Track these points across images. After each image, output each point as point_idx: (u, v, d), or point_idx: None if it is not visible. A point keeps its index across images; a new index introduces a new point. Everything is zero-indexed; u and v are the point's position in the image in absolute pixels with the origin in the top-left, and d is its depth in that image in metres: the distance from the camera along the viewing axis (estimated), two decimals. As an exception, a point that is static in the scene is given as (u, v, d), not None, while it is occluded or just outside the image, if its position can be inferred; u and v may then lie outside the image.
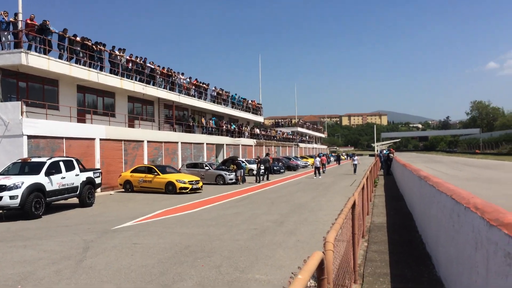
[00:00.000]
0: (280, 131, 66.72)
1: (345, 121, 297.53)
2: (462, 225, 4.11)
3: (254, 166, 33.09)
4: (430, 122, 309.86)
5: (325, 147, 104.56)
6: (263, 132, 54.91)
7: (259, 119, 55.52)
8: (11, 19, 19.06)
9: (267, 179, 29.63)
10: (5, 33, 19.08)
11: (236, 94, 47.34)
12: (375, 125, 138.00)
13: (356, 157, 37.61)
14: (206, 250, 8.46)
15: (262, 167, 29.63)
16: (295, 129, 75.92)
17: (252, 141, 47.52)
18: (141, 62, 28.76)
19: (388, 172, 30.15)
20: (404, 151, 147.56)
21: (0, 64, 18.56)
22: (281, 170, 38.22)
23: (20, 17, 19.06)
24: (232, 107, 45.68)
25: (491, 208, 3.40)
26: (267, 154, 33.69)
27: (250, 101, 52.30)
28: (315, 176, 30.10)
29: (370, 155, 41.31)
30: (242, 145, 44.13)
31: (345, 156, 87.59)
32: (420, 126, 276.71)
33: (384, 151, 39.52)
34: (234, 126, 44.78)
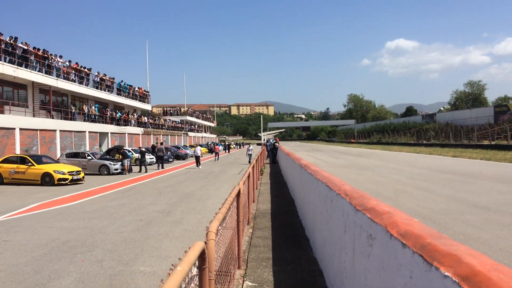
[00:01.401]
0: (169, 119, 65.62)
1: (234, 111, 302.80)
2: (334, 209, 4.48)
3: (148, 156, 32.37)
4: (312, 113, 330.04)
5: (214, 136, 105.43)
6: (151, 121, 53.46)
7: (147, 107, 53.91)
8: None
9: (162, 167, 29.58)
10: None
11: (122, 81, 45.33)
12: (262, 115, 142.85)
13: (251, 147, 38.50)
14: (87, 245, 8.05)
15: (151, 157, 28.78)
16: (184, 118, 75.24)
17: (139, 130, 46.02)
18: (11, 41, 25.97)
19: (274, 161, 31.47)
20: (289, 140, 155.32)
21: None
22: (170, 160, 37.71)
23: None
24: (118, 94, 43.66)
25: (357, 194, 3.76)
26: (162, 143, 33.04)
27: (137, 88, 50.48)
28: (197, 167, 30.07)
29: (258, 144, 42.56)
30: (128, 133, 42.52)
31: (234, 145, 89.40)
32: (303, 116, 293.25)
33: (271, 140, 41.16)
34: (119, 114, 42.87)
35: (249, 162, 36.11)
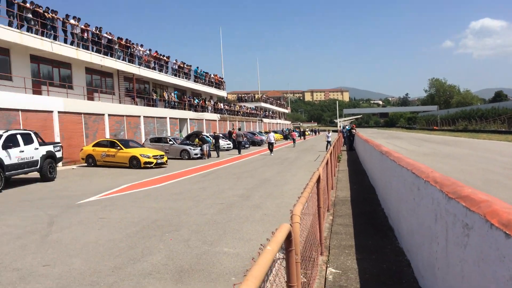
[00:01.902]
0: (244, 106, 66.66)
1: (307, 97, 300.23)
2: (422, 197, 4.33)
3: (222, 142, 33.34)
4: (390, 99, 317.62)
5: (288, 122, 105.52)
6: (226, 107, 54.69)
7: (222, 93, 55.18)
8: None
9: (239, 153, 30.49)
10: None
11: (198, 68, 46.70)
12: (337, 101, 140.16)
13: (330, 133, 37.82)
14: (174, 224, 8.52)
15: (228, 142, 29.50)
16: (258, 104, 76.04)
17: (216, 116, 47.31)
18: (97, 32, 27.73)
19: (351, 148, 30.88)
20: (366, 127, 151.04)
21: None
22: (246, 146, 38.45)
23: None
24: (195, 81, 45.12)
25: (449, 181, 3.61)
26: (239, 129, 33.95)
27: (212, 75, 51.76)
28: (271, 154, 30.13)
29: (333, 131, 42.10)
30: (206, 119, 43.88)
31: (309, 132, 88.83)
32: (380, 102, 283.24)
33: (347, 127, 40.35)
34: (197, 100, 44.33)
35: (327, 148, 35.74)
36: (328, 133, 37.11)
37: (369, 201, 10.24)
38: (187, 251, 6.69)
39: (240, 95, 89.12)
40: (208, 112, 45.63)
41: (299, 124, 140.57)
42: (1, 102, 18.53)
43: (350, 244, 6.59)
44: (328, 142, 36.30)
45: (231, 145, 35.43)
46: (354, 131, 31.76)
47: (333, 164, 13.62)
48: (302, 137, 63.30)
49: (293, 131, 57.17)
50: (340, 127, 77.95)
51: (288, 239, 2.83)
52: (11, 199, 12.03)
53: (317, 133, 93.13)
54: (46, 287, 5.25)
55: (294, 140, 43.64)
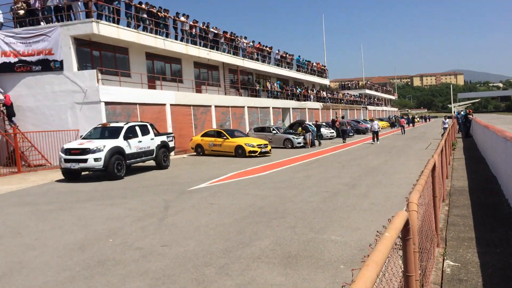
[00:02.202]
0: (347, 93, 65.06)
1: (416, 82, 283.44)
2: None
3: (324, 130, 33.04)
4: None
5: (395, 109, 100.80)
6: (329, 95, 53.87)
7: (325, 81, 54.37)
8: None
9: (344, 141, 30.20)
10: (76, 3, 19.82)
11: (300, 57, 46.50)
12: (451, 85, 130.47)
13: (447, 120, 34.53)
14: (280, 211, 8.58)
15: (331, 131, 29.04)
16: (362, 91, 73.63)
17: (318, 105, 46.85)
18: (204, 27, 28.92)
19: (467, 135, 28.54)
20: (484, 113, 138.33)
21: (74, 34, 19.38)
22: (350, 134, 37.46)
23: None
24: (297, 70, 45.06)
25: None
26: (342, 117, 33.36)
27: (314, 64, 51.22)
28: (373, 142, 28.73)
29: (448, 117, 38.87)
30: (308, 108, 43.68)
31: (419, 119, 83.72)
32: (501, 85, 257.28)
33: (462, 112, 37.26)
34: (299, 89, 44.29)
35: (442, 135, 33.33)
36: (445, 119, 34.34)
37: (490, 191, 9.33)
38: (294, 238, 6.68)
39: (343, 83, 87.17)
40: (310, 101, 45.37)
41: (407, 110, 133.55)
42: (122, 97, 20.28)
43: (469, 236, 6.04)
44: (445, 129, 33.65)
45: (334, 134, 34.84)
46: (470, 116, 29.24)
47: (447, 152, 12.67)
48: (411, 124, 60.06)
49: (401, 117, 54.32)
50: (454, 112, 72.38)
51: (406, 228, 2.71)
52: (131, 185, 13.13)
53: (428, 119, 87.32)
54: (165, 265, 5.60)
55: (403, 128, 41.47)
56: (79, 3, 19.75)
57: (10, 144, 18.42)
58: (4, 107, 19.52)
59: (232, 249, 6.21)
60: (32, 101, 19.92)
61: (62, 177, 14.68)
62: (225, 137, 22.05)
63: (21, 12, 20.11)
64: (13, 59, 19.88)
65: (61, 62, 19.27)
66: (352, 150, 23.43)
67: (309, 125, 30.30)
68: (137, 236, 7.08)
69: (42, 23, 19.99)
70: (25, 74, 19.86)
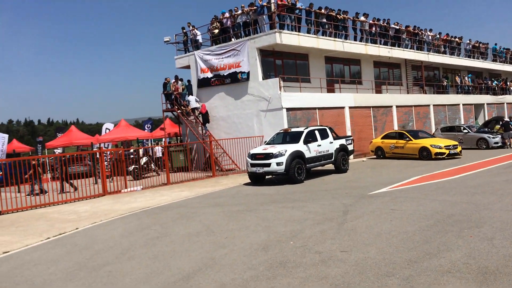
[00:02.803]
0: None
1: None
2: None
3: None
4: None
5: None
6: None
7: (529, 71, 46.77)
8: (265, 4, 21.07)
9: None
10: (261, 16, 21.27)
11: (496, 45, 40.98)
12: None
13: None
14: (473, 220, 7.61)
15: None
16: None
17: (520, 98, 40.60)
18: (385, 24, 27.84)
19: None
20: None
21: (259, 46, 20.85)
22: None
23: (272, -1, 20.89)
24: (493, 61, 39.83)
25: None
26: None
27: (515, 51, 44.49)
28: None
29: None
30: (507, 103, 38.24)
31: None
32: None
33: None
34: (495, 82, 39.08)
35: None
36: None
37: None
38: (492, 251, 5.82)
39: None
40: (510, 94, 39.63)
41: None
42: (302, 102, 20.98)
43: None
44: None
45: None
46: None
47: None
48: None
49: None
50: None
51: None
52: (311, 188, 13.39)
53: None
54: (344, 271, 5.48)
55: None
56: (264, 16, 21.17)
57: (207, 150, 20.76)
58: (200, 115, 22.19)
59: (417, 259, 5.72)
60: (224, 111, 22.17)
61: (248, 180, 15.87)
62: (407, 139, 20.80)
63: (216, 31, 22.63)
64: (209, 75, 22.49)
65: (248, 73, 20.95)
66: None
67: (509, 122, 26.43)
68: (316, 239, 7.13)
69: (232, 39, 22.12)
70: (218, 87, 22.25)
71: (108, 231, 9.22)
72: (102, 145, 23.74)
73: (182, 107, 22.68)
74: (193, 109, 22.50)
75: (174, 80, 23.52)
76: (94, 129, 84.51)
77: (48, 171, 24.63)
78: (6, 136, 21.93)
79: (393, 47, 27.78)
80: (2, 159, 18.58)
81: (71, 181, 16.97)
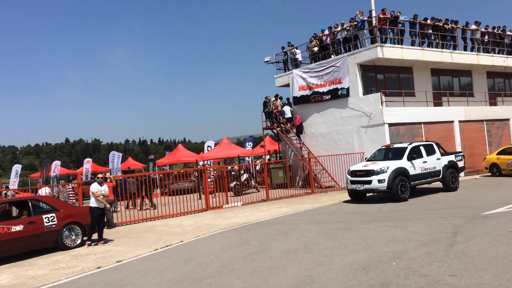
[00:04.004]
0: None
1: None
2: None
3: None
4: None
5: None
6: None
7: None
8: (365, 18, 20.67)
9: None
10: (362, 31, 20.87)
11: None
12: None
13: None
14: None
15: None
16: None
17: None
18: (499, 31, 25.60)
19: None
20: None
21: (360, 61, 20.43)
22: None
23: (373, 13, 20.40)
24: None
25: None
26: None
27: None
28: None
29: None
30: None
31: None
32: None
33: None
34: None
35: None
36: None
37: None
38: None
39: None
40: None
41: None
42: (406, 117, 20.03)
43: None
44: None
45: None
46: None
47: None
48: None
49: None
50: None
51: None
52: (416, 207, 12.60)
53: None
54: (452, 298, 5.02)
55: None
56: (365, 31, 20.77)
57: (305, 167, 20.69)
58: (294, 127, 22.54)
59: (541, 290, 5.05)
60: (324, 127, 22.01)
61: (348, 198, 15.45)
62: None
63: (315, 49, 22.74)
64: (308, 92, 22.59)
65: (348, 89, 20.63)
66: None
67: None
68: (422, 261, 6.65)
69: (332, 55, 22.03)
70: (317, 104, 22.21)
71: (210, 245, 9.56)
72: (205, 162, 24.91)
73: (281, 124, 23.01)
74: (288, 119, 22.93)
75: (274, 99, 24.00)
76: (198, 147, 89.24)
77: (157, 187, 26.40)
78: (120, 154, 24.10)
79: (508, 56, 25.43)
80: (118, 175, 20.40)
81: (151, 199, 17.73)
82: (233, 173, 21.87)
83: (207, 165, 20.42)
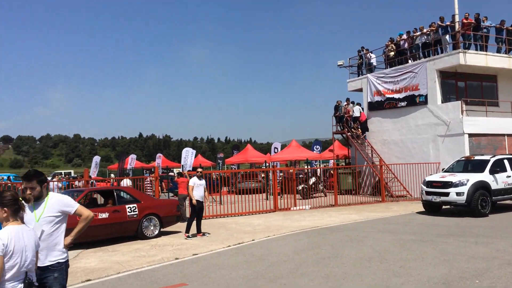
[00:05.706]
0: None
1: None
2: None
3: None
4: None
5: None
6: None
7: None
8: (448, 23, 19.77)
9: None
10: (444, 37, 19.95)
11: None
12: None
13: None
14: None
15: None
16: None
17: None
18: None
19: None
20: None
21: (440, 68, 19.59)
22: None
23: (457, 18, 19.47)
24: None
25: None
26: None
27: None
28: None
29: None
30: None
31: None
32: None
33: None
34: None
35: None
36: None
37: None
38: None
39: None
40: None
41: None
42: (488, 128, 18.96)
43: None
44: None
45: None
46: None
47: None
48: None
49: None
50: None
51: None
52: (498, 224, 11.89)
53: None
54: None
55: None
56: (447, 36, 19.89)
57: (376, 174, 20.21)
58: (359, 124, 22.35)
59: None
60: (397, 134, 21.37)
61: (422, 209, 14.88)
62: None
63: (391, 54, 22.17)
64: (382, 97, 22.05)
65: (426, 96, 19.89)
66: None
67: None
68: (507, 281, 6.30)
69: (409, 61, 21.34)
70: (391, 110, 21.63)
71: (281, 246, 9.67)
72: (274, 163, 25.09)
73: (352, 129, 22.67)
74: (354, 118, 22.73)
75: (346, 103, 23.70)
76: (264, 148, 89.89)
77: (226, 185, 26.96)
78: (194, 151, 24.91)
79: None
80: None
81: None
82: (300, 176, 21.85)
83: (276, 167, 20.60)
